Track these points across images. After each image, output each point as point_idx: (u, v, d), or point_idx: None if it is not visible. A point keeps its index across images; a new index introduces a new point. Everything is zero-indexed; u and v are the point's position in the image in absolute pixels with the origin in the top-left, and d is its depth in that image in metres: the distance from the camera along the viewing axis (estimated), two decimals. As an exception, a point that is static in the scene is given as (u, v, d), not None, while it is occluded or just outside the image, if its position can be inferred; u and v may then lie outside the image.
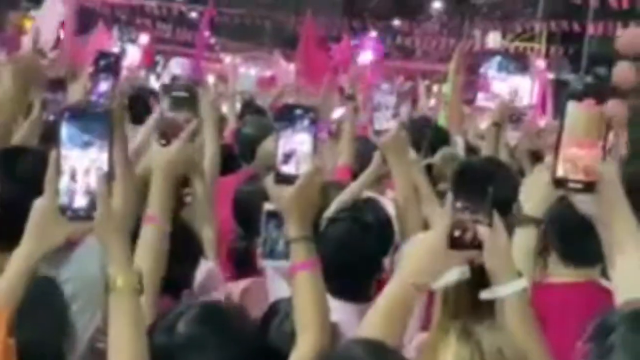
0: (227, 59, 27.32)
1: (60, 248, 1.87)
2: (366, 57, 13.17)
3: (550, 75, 25.51)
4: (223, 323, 2.17)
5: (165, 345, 2.07)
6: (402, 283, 1.96)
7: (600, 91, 1.58)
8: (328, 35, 23.52)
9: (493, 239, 1.86)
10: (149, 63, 19.90)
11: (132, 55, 16.92)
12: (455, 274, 1.94)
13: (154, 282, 2.29)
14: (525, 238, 2.38)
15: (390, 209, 3.44)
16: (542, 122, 10.84)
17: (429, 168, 4.50)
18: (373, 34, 31.36)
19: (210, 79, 12.14)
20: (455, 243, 1.86)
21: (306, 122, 2.08)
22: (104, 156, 1.78)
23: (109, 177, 1.79)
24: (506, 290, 1.89)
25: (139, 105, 4.71)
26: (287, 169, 2.09)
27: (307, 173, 2.08)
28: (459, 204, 1.86)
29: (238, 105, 8.62)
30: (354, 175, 4.33)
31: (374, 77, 14.76)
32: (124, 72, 4.31)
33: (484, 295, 1.92)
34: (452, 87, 7.59)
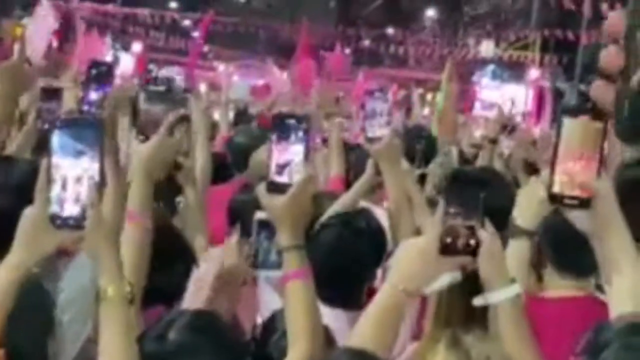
0: (221, 67, 27.37)
1: (53, 257, 1.86)
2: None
3: (545, 84, 25.61)
4: (215, 330, 2.16)
5: (156, 353, 2.05)
6: (393, 289, 1.94)
7: (595, 107, 1.59)
8: (322, 43, 23.56)
9: (487, 245, 1.85)
10: (142, 71, 19.91)
11: (125, 64, 16.94)
12: (446, 278, 1.93)
13: (138, 281, 2.27)
14: (518, 249, 2.38)
15: (384, 219, 3.43)
16: (537, 131, 10.86)
17: (422, 177, 4.50)
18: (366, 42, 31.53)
19: (202, 87, 12.15)
20: (446, 249, 1.85)
21: (299, 131, 2.07)
22: (95, 165, 1.77)
23: (100, 187, 1.79)
24: (500, 296, 1.88)
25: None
26: (280, 177, 2.08)
27: (300, 182, 2.07)
28: (451, 210, 1.86)
29: (231, 114, 8.63)
30: (348, 185, 4.32)
31: (367, 85, 14.81)
32: (117, 81, 4.30)
33: (477, 301, 1.91)
34: (445, 96, 7.60)
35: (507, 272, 1.92)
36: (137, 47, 24.74)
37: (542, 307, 2.61)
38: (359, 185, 3.81)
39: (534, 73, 26.08)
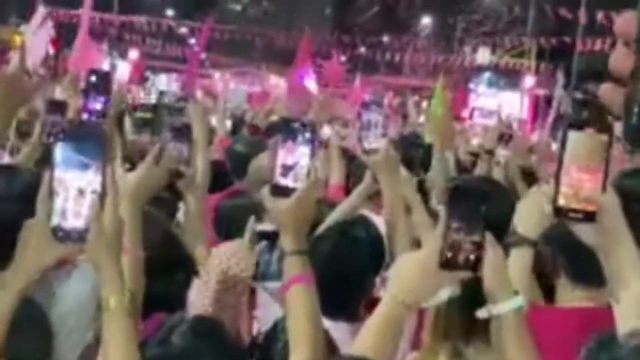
0: (217, 74, 27.41)
1: (53, 267, 1.86)
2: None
3: (541, 91, 25.68)
4: (216, 335, 2.17)
5: (160, 357, 2.06)
6: (393, 301, 1.94)
7: (601, 120, 1.58)
8: (318, 50, 23.58)
9: (491, 257, 1.85)
10: (139, 79, 19.93)
11: (122, 71, 16.94)
12: (446, 292, 1.93)
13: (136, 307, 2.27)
14: (520, 258, 2.37)
15: (383, 227, 3.42)
16: (533, 138, 10.87)
17: (420, 185, 4.50)
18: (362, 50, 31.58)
19: (198, 94, 12.16)
20: (447, 263, 1.84)
21: (305, 135, 2.06)
22: (98, 178, 1.76)
23: (101, 199, 1.79)
24: (504, 307, 1.87)
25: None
26: (284, 181, 2.07)
27: (306, 186, 2.06)
28: (454, 224, 1.84)
29: (228, 122, 8.62)
30: (347, 192, 4.32)
31: (364, 91, 14.84)
32: (114, 88, 4.30)
33: (481, 313, 1.90)
34: (441, 103, 7.61)
35: (510, 284, 1.91)
36: (133, 54, 24.79)
37: (556, 317, 2.58)
38: (357, 192, 3.81)
39: (529, 80, 26.17)
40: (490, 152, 5.05)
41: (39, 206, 1.78)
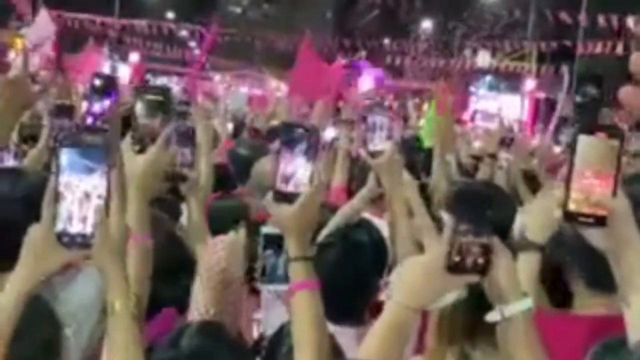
0: (217, 77, 27.44)
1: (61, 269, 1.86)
2: (366, 84, 13.09)
3: (542, 94, 25.69)
4: (225, 338, 2.19)
5: None
6: (398, 307, 1.93)
7: (611, 124, 1.58)
8: (318, 53, 23.55)
9: (502, 259, 1.84)
10: (139, 81, 19.92)
11: (123, 74, 16.93)
12: (452, 296, 1.92)
13: (142, 299, 2.26)
14: (528, 263, 2.37)
15: (385, 230, 3.42)
16: (534, 141, 10.88)
17: (422, 188, 4.49)
18: (363, 54, 31.57)
19: (199, 97, 12.16)
20: (455, 267, 1.83)
21: (307, 140, 2.05)
22: (103, 182, 1.77)
23: (107, 203, 1.78)
24: (514, 309, 1.87)
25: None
26: (287, 186, 2.06)
27: (309, 192, 2.05)
28: (461, 227, 1.83)
29: (230, 125, 8.63)
30: (350, 195, 4.32)
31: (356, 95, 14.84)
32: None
33: (492, 316, 1.89)
34: (435, 108, 7.57)
35: (520, 285, 1.91)
36: (134, 57, 24.81)
37: (573, 324, 2.57)
38: (360, 196, 3.81)
39: (530, 84, 26.17)
40: (493, 156, 5.06)
41: (44, 211, 1.78)
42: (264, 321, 3.16)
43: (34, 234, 1.80)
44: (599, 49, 23.90)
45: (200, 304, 2.57)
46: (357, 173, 4.61)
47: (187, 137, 2.82)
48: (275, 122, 9.49)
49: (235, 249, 2.69)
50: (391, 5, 38.10)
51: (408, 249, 3.01)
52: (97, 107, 2.32)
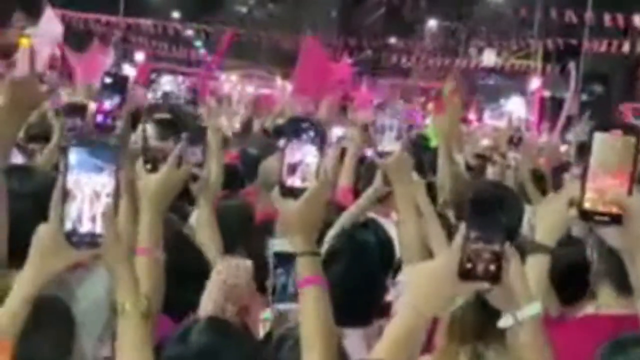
0: (223, 76, 27.45)
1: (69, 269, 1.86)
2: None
3: (547, 93, 25.65)
4: (234, 333, 2.20)
5: (179, 356, 2.08)
6: (412, 313, 1.92)
7: (628, 122, 1.57)
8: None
9: (514, 264, 1.83)
10: (144, 81, 19.93)
11: (128, 74, 16.93)
12: (461, 299, 1.92)
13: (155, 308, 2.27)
14: (537, 265, 2.37)
15: (393, 230, 3.42)
16: (540, 140, 10.86)
17: (429, 187, 4.48)
18: (368, 53, 31.58)
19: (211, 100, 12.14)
20: (467, 274, 1.82)
21: (313, 135, 2.05)
22: (112, 181, 1.77)
23: (115, 202, 1.78)
24: (526, 313, 1.86)
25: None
26: (292, 181, 2.06)
27: (315, 187, 2.04)
28: (472, 234, 1.82)
29: (237, 125, 8.62)
30: (357, 195, 4.32)
31: (370, 95, 14.84)
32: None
33: (505, 322, 1.88)
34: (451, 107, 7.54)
35: (529, 290, 1.90)
36: (139, 56, 24.86)
37: (598, 324, 2.56)
38: (367, 195, 3.80)
39: (535, 82, 26.14)
40: (502, 155, 5.06)
41: (52, 210, 1.78)
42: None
43: (42, 233, 1.80)
44: (604, 47, 23.87)
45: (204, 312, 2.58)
46: (364, 173, 4.61)
47: (198, 137, 2.83)
48: (280, 121, 9.50)
49: (240, 266, 2.70)
50: (396, 4, 38.08)
51: (415, 249, 3.01)
52: (107, 105, 2.33)
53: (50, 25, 11.35)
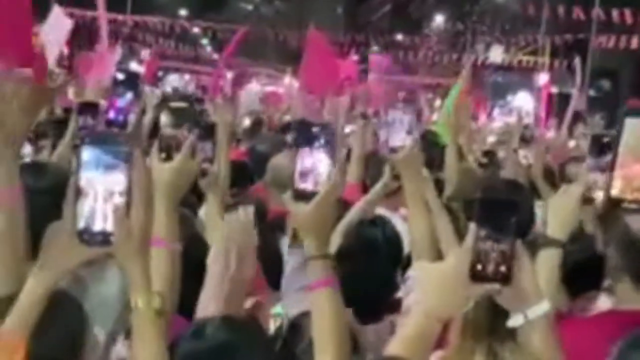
0: (229, 74, 27.44)
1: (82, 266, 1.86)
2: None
3: (555, 89, 25.59)
4: (250, 329, 2.21)
5: (194, 352, 2.09)
6: (424, 316, 1.92)
7: None
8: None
9: (524, 264, 1.83)
10: (152, 78, 19.93)
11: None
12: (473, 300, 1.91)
13: (172, 301, 2.28)
14: (549, 260, 2.37)
15: (401, 226, 3.42)
16: (548, 135, 10.85)
17: (435, 182, 4.48)
18: (375, 49, 31.55)
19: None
20: (477, 276, 1.82)
21: (324, 138, 2.06)
22: (125, 179, 1.75)
23: (128, 200, 1.77)
24: (534, 313, 1.86)
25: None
26: (305, 185, 2.07)
27: (325, 191, 2.05)
28: (482, 233, 1.82)
29: (247, 121, 8.64)
30: (365, 191, 4.32)
31: (376, 91, 14.82)
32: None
33: (515, 321, 1.88)
34: (461, 105, 7.52)
35: (539, 289, 1.90)
36: (146, 54, 24.87)
37: (617, 319, 2.56)
38: (375, 190, 3.81)
39: (543, 78, 26.09)
40: (516, 151, 5.05)
41: (65, 209, 1.78)
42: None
43: (54, 232, 1.80)
44: (612, 43, 23.80)
45: (206, 304, 2.58)
46: (372, 168, 4.61)
47: (207, 133, 2.84)
48: (287, 117, 9.50)
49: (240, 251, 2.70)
50: (402, 0, 38.02)
51: (425, 245, 3.01)
52: (120, 103, 2.34)
53: (58, 23, 11.35)
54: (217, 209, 3.08)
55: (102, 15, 10.02)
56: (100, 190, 1.76)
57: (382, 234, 3.12)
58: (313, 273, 2.10)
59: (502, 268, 1.80)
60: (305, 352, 2.28)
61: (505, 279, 1.80)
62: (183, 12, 37.84)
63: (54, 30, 10.61)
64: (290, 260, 3.12)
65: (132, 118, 2.76)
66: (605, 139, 2.63)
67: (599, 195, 2.51)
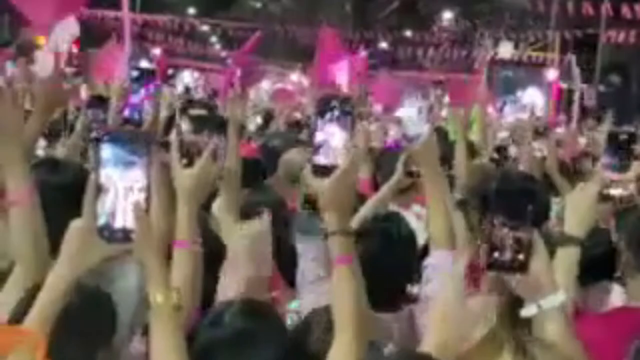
0: (239, 71, 27.44)
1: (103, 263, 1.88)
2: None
3: (564, 84, 25.52)
4: (269, 316, 2.23)
5: (213, 340, 2.11)
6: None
7: None
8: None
9: (542, 254, 1.83)
10: (162, 76, 19.96)
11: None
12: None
13: (193, 302, 2.29)
14: (566, 258, 2.37)
15: (414, 223, 3.42)
16: (558, 131, 10.83)
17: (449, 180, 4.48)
18: (384, 46, 31.53)
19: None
20: (494, 265, 1.81)
21: (343, 113, 2.04)
22: (144, 176, 1.77)
23: (147, 197, 1.79)
24: (549, 303, 1.86)
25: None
26: (323, 159, 2.05)
27: (345, 165, 2.04)
28: (498, 220, 1.81)
29: (258, 118, 8.66)
30: (376, 187, 4.32)
31: (387, 87, 14.82)
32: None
33: (527, 311, 1.88)
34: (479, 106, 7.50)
35: (554, 280, 1.90)
36: (156, 52, 24.91)
37: (629, 316, 2.56)
38: (388, 185, 3.81)
39: (552, 73, 26.02)
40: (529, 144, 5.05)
41: (85, 206, 1.79)
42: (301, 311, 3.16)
43: (75, 229, 1.82)
44: (622, 37, 23.72)
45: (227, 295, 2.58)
46: (384, 165, 4.61)
47: (219, 127, 2.85)
48: (297, 115, 9.50)
49: (259, 239, 2.70)
50: (411, -4, 37.94)
51: (443, 233, 3.01)
52: (135, 99, 2.35)
53: (67, 23, 11.37)
54: (229, 205, 3.09)
55: (126, 15, 10.04)
56: (120, 187, 1.77)
57: (397, 228, 3.12)
58: (334, 248, 2.08)
59: (520, 256, 1.80)
60: (320, 340, 2.29)
61: (523, 267, 1.80)
62: (192, 10, 37.83)
63: (63, 30, 10.64)
64: (303, 253, 3.12)
65: (147, 115, 2.79)
66: (622, 137, 2.62)
67: (616, 193, 2.51)
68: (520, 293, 1.88)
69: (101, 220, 1.77)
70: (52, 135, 4.86)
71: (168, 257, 2.18)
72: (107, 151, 1.77)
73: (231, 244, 2.96)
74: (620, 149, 2.61)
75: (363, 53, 16.17)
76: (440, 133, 6.93)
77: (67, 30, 11.08)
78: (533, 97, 25.48)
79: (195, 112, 2.35)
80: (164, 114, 3.65)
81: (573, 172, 5.23)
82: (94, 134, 3.26)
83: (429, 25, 36.42)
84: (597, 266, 2.88)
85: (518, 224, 1.80)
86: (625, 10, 22.92)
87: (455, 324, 1.90)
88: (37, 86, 2.58)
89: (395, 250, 2.97)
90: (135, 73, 2.37)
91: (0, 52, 15.01)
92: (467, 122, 5.35)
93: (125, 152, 1.76)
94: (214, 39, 37.78)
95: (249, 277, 2.71)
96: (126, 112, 2.37)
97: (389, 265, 2.88)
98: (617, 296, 2.92)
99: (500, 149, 7.52)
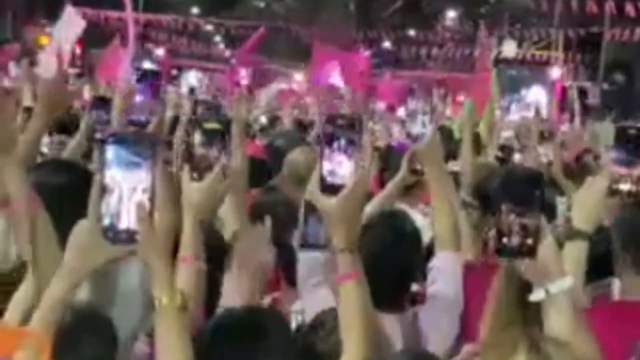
0: (243, 71, 27.47)
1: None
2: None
3: (568, 83, 25.50)
4: (273, 321, 2.22)
5: (217, 345, 2.10)
6: None
7: None
8: (343, 46, 23.54)
9: (548, 238, 1.84)
10: (165, 76, 20.00)
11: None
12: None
13: (194, 319, 2.29)
14: (575, 252, 2.37)
15: (420, 221, 3.41)
16: (562, 128, 10.83)
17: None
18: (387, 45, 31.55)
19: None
20: (502, 250, 1.82)
21: (351, 131, 2.05)
22: (149, 177, 1.77)
23: (152, 198, 1.79)
24: (557, 287, 1.86)
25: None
26: (332, 178, 2.06)
27: (353, 183, 2.05)
28: (506, 206, 1.82)
29: (263, 118, 8.67)
30: (382, 185, 4.32)
31: (392, 86, 14.83)
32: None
33: (536, 296, 1.89)
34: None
35: (562, 265, 1.91)
36: (160, 52, 25.01)
37: (626, 311, 2.56)
38: (393, 183, 3.81)
39: (556, 72, 26.03)
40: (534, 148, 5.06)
41: (90, 207, 1.78)
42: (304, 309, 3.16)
43: (80, 230, 1.81)
44: (626, 36, 23.71)
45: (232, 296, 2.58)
46: (390, 162, 4.60)
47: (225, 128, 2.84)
48: (298, 113, 9.50)
49: (260, 240, 2.69)
50: (414, -5, 37.95)
51: (448, 233, 3.01)
52: (139, 100, 2.34)
53: (70, 23, 11.38)
54: (235, 206, 3.09)
55: (129, 16, 10.05)
56: (125, 188, 1.77)
57: (402, 225, 3.12)
58: (341, 266, 2.09)
59: (529, 241, 1.81)
60: (326, 337, 2.29)
61: (531, 251, 1.81)
62: (195, 10, 37.87)
63: (67, 30, 10.64)
64: (302, 258, 3.13)
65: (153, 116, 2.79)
66: (631, 131, 2.62)
67: (625, 188, 2.51)
68: (529, 277, 1.89)
69: (106, 222, 1.77)
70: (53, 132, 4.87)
71: (173, 255, 2.17)
72: (112, 152, 1.76)
73: (236, 246, 2.95)
74: (629, 143, 2.61)
75: (366, 52, 16.16)
76: (444, 132, 6.97)
77: (72, 28, 11.08)
78: (537, 96, 25.45)
79: (209, 125, 2.34)
80: (169, 114, 3.66)
81: (576, 169, 5.22)
82: (97, 135, 3.27)
83: (432, 25, 36.42)
84: (602, 263, 2.88)
85: (525, 209, 1.82)
86: (629, 8, 22.90)
87: None
88: (40, 87, 2.58)
89: (400, 247, 2.97)
90: (140, 75, 2.37)
91: (3, 52, 15.03)
92: (475, 118, 5.36)
93: (130, 154, 1.76)
94: (217, 38, 37.82)
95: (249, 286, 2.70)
96: (132, 115, 2.37)
97: (393, 262, 2.88)
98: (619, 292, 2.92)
99: (505, 148, 7.51)
